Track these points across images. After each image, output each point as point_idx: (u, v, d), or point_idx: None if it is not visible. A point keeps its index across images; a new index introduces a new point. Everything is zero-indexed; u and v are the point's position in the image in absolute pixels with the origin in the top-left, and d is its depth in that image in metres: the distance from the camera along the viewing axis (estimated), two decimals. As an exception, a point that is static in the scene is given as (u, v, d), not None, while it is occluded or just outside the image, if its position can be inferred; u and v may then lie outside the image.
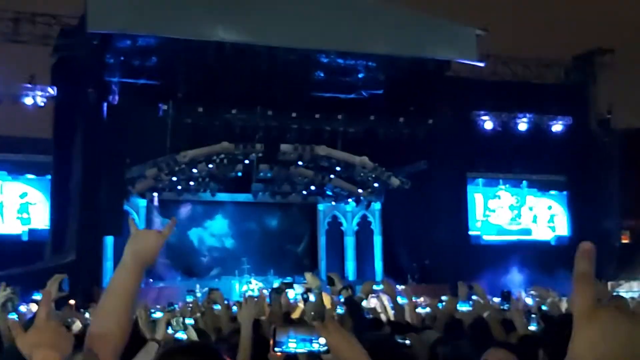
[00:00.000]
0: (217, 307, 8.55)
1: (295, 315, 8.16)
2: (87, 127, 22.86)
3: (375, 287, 6.98)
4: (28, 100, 23.58)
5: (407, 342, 4.82)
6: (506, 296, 8.81)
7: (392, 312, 7.07)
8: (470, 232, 27.68)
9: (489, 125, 28.01)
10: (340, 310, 6.54)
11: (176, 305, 12.25)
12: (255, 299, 5.09)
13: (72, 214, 22.80)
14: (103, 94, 23.01)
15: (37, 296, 11.69)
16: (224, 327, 6.58)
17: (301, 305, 8.56)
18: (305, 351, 2.40)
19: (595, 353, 1.19)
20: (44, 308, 1.98)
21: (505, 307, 8.17)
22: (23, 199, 25.09)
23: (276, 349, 2.39)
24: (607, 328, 1.20)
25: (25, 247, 23.79)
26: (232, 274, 26.10)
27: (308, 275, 7.28)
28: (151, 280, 25.14)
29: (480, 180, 29.41)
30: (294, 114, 24.62)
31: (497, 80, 27.54)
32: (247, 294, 23.36)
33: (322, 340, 2.33)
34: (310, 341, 2.37)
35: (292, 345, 2.37)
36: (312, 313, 6.70)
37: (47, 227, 24.06)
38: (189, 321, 6.94)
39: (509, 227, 29.56)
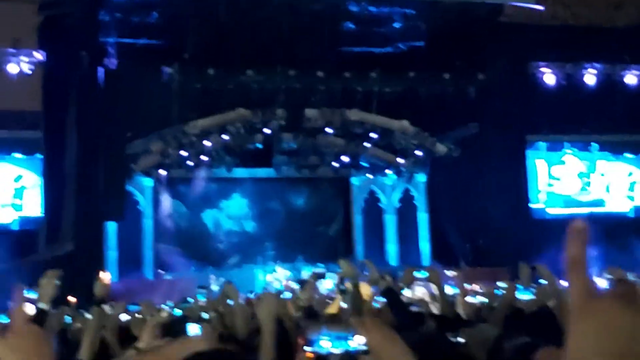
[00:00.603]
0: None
1: (332, 310, 8.19)
2: (81, 96, 22.92)
3: (418, 274, 6.93)
4: (12, 68, 23.77)
5: (460, 339, 4.81)
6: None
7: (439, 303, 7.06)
8: (531, 205, 27.51)
9: (550, 79, 27.73)
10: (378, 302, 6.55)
11: (191, 300, 12.37)
12: (275, 293, 5.14)
13: (68, 198, 22.96)
14: (98, 58, 23.08)
15: (32, 294, 11.76)
16: (239, 328, 6.64)
17: (339, 298, 8.58)
18: (341, 351, 2.42)
19: (592, 350, 1.17)
20: (19, 309, 1.93)
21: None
22: (17, 182, 25.38)
23: (307, 349, 2.41)
24: (603, 322, 1.17)
25: (16, 238, 24.06)
26: (254, 262, 26.33)
27: (343, 263, 7.28)
28: (161, 272, 25.39)
29: (542, 144, 29.20)
30: (320, 74, 24.56)
31: (559, 25, 27.14)
32: (270, 286, 23.61)
33: (360, 339, 2.35)
34: (346, 339, 2.42)
35: (326, 344, 2.42)
36: (347, 307, 6.73)
37: (41, 215, 24.27)
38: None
39: (578, 198, 29.36)
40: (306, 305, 7.65)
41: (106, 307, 7.35)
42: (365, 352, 2.36)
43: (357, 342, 2.38)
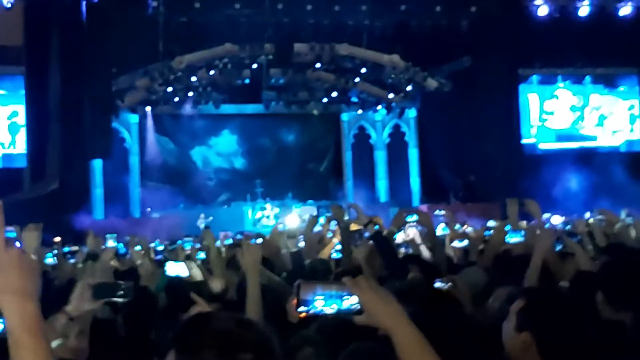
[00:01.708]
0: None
1: (325, 254, 8.07)
2: (64, 30, 22.60)
3: (408, 217, 6.81)
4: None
5: (444, 285, 4.65)
6: None
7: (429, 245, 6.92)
8: (523, 141, 27.39)
9: (543, 10, 27.36)
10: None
11: (180, 242, 12.17)
12: (258, 242, 4.96)
13: (52, 135, 22.74)
14: (81, -9, 22.69)
15: (11, 235, 11.61)
16: (215, 275, 6.45)
17: (335, 240, 8.46)
18: (334, 311, 2.39)
19: None
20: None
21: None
22: (11, 119, 25.05)
23: (301, 309, 2.38)
24: None
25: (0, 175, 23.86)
26: (243, 199, 26.25)
27: (334, 207, 7.16)
28: (149, 209, 25.27)
29: (534, 78, 29.02)
30: (309, 7, 24.16)
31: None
32: (259, 223, 23.58)
33: (354, 299, 2.35)
34: (341, 298, 2.36)
35: (319, 303, 2.36)
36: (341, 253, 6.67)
37: (24, 152, 24.03)
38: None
39: (571, 133, 29.24)
40: (295, 250, 7.48)
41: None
42: (359, 312, 2.37)
43: (351, 301, 2.36)
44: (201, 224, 23.21)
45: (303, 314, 2.37)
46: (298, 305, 2.35)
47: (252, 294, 4.27)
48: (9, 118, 24.98)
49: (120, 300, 3.50)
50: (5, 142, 24.90)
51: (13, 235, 5.10)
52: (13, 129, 24.97)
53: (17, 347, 1.98)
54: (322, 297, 2.34)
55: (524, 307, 3.00)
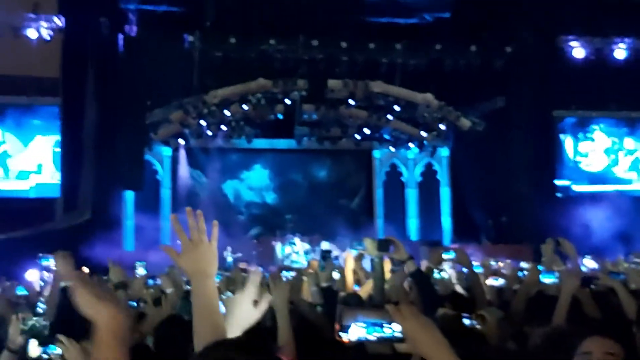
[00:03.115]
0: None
1: (364, 292, 8.02)
2: (101, 63, 22.88)
3: (445, 255, 6.79)
4: (32, 33, 23.62)
5: (472, 322, 4.65)
6: None
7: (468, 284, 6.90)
8: (556, 182, 27.24)
9: (579, 53, 27.32)
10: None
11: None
12: (288, 279, 4.98)
13: (86, 166, 22.96)
14: (118, 24, 23.00)
15: (47, 262, 11.74)
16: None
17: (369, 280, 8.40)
18: (375, 338, 2.42)
19: None
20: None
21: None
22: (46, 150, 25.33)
23: (342, 335, 2.44)
24: None
25: (33, 205, 24.06)
26: (273, 234, 26.24)
27: (367, 241, 7.13)
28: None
29: (569, 120, 28.85)
30: (343, 44, 24.31)
31: (589, -2, 26.80)
32: (289, 259, 23.53)
33: (396, 327, 2.39)
34: (382, 326, 2.41)
35: (361, 330, 2.41)
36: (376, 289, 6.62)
37: (58, 182, 24.22)
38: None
39: (605, 176, 29.04)
40: (327, 283, 7.47)
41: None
42: (401, 340, 2.38)
43: (394, 329, 2.40)
44: (227, 256, 23.25)
45: (345, 340, 2.39)
46: (340, 331, 2.37)
47: (282, 327, 4.28)
48: (44, 149, 25.26)
49: None
50: (39, 171, 25.18)
51: (48, 261, 5.22)
52: (48, 158, 25.27)
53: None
54: (364, 324, 2.36)
55: None
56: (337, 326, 2.41)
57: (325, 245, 23.62)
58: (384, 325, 2.37)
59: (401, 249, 5.85)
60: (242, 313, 2.73)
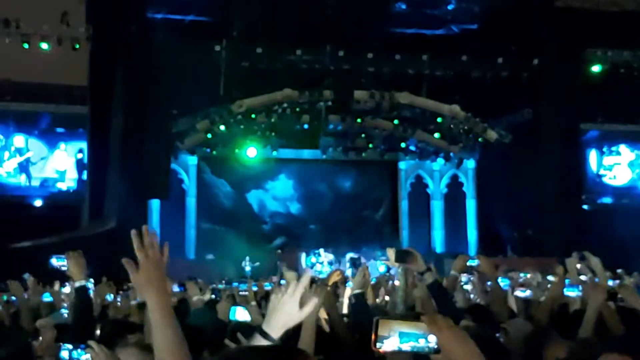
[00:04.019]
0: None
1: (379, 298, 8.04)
2: (128, 72, 22.99)
3: (470, 262, 6.76)
4: (60, 42, 23.79)
5: (497, 335, 4.65)
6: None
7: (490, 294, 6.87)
8: (582, 195, 27.10)
9: (605, 66, 27.17)
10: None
11: (235, 284, 12.20)
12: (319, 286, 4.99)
13: (112, 174, 23.08)
14: (146, 33, 23.11)
15: (60, 262, 11.52)
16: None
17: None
18: (410, 348, 2.40)
19: None
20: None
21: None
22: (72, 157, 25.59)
23: (378, 345, 2.39)
24: None
25: (56, 213, 24.22)
26: (297, 244, 26.25)
27: (390, 251, 7.09)
28: (211, 256, 25.38)
29: (595, 133, 28.71)
30: (369, 55, 24.33)
31: (616, 11, 26.61)
32: (313, 269, 23.54)
33: (431, 337, 2.36)
34: (417, 336, 2.38)
35: (396, 341, 2.39)
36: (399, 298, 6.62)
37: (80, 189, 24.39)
38: None
39: (630, 189, 28.89)
40: (359, 290, 7.46)
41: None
42: (436, 351, 2.36)
43: (428, 339, 2.37)
44: (246, 266, 23.31)
45: (381, 350, 2.41)
46: (376, 342, 2.39)
47: (306, 334, 4.29)
48: (71, 156, 25.50)
49: None
50: (62, 179, 25.42)
51: (63, 261, 5.26)
52: (74, 166, 25.51)
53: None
54: (399, 334, 2.38)
55: None
56: (373, 336, 2.42)
57: (351, 255, 23.70)
58: (419, 336, 2.39)
59: (419, 260, 5.84)
60: (286, 313, 2.70)
